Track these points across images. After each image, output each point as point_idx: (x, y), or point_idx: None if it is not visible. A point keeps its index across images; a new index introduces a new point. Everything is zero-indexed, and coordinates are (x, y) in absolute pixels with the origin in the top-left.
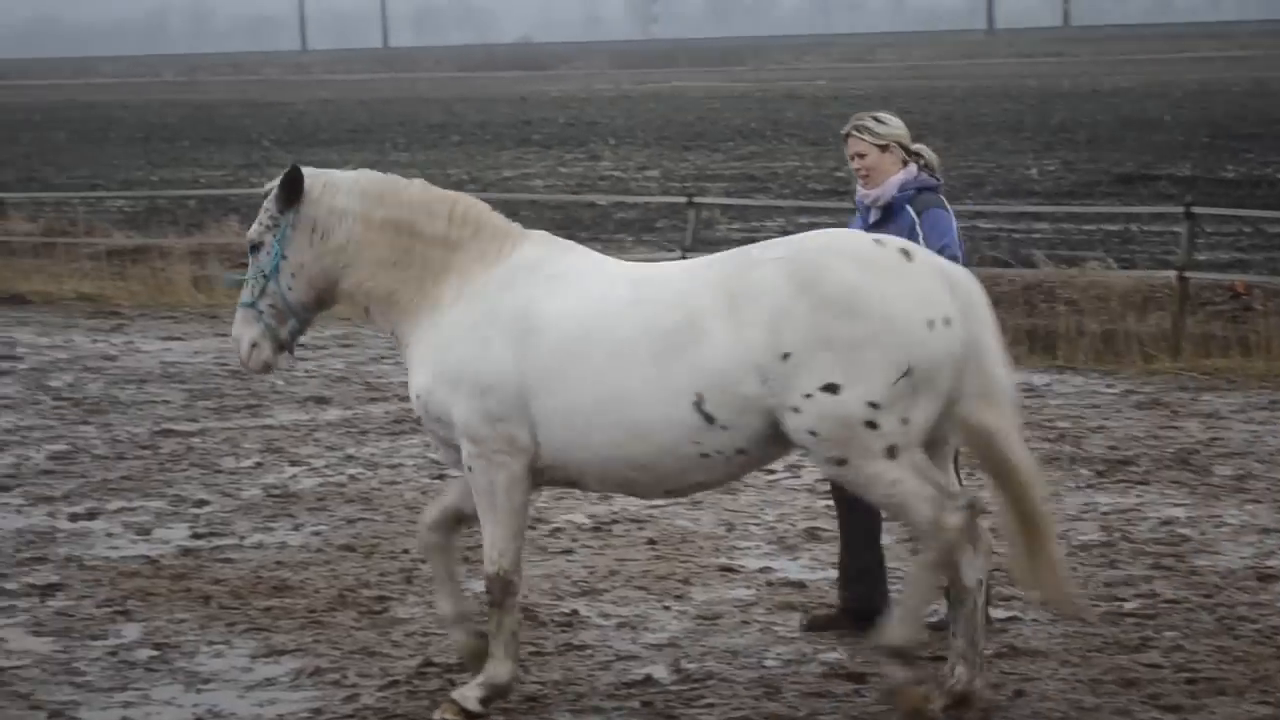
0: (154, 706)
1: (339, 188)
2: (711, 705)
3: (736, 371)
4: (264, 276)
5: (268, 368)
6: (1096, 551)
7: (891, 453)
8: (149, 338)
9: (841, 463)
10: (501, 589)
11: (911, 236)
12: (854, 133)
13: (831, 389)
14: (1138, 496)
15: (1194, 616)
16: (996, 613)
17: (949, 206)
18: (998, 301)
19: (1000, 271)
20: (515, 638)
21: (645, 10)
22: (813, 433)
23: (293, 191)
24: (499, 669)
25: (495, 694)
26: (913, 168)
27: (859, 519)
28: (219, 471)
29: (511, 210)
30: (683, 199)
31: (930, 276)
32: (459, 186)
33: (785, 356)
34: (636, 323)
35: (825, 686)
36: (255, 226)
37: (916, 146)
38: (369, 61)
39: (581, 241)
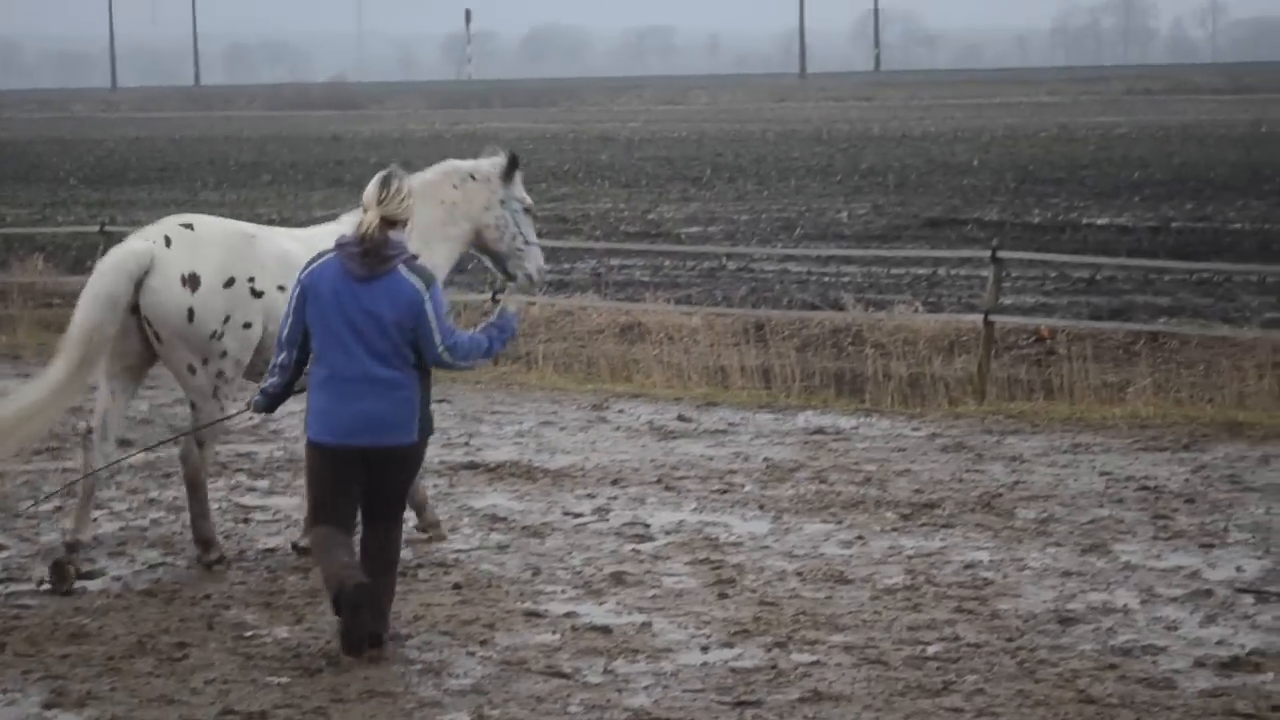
0: None
1: None
2: None
3: None
4: None
5: None
6: (900, 595)
7: None
8: None
9: None
10: None
11: None
12: None
13: None
14: (942, 540)
15: (996, 660)
16: (801, 657)
17: (328, 268)
18: (806, 344)
19: (809, 314)
20: None
21: (459, 51)
22: None
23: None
24: None
25: None
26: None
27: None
28: (17, 515)
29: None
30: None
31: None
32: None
33: None
34: None
35: None
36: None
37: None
38: (180, 99)
39: None
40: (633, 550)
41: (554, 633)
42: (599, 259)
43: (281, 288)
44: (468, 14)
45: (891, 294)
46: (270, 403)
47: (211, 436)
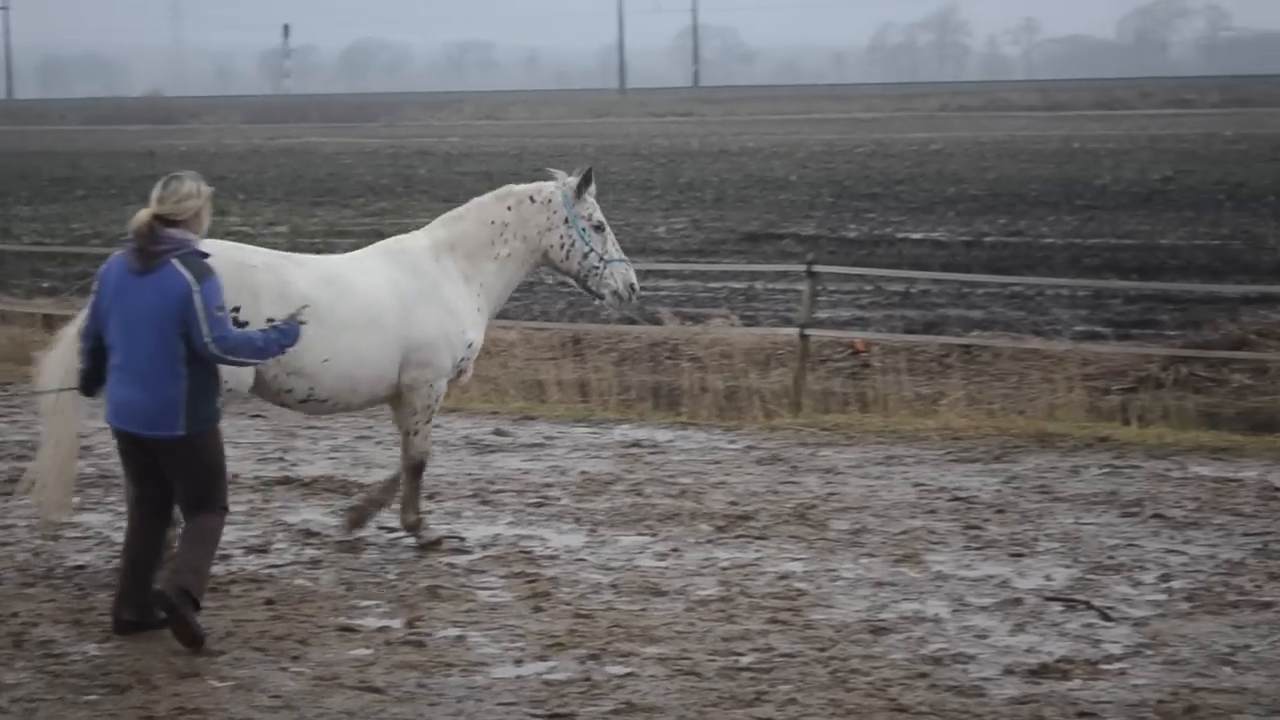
0: None
1: None
2: None
3: None
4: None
5: None
6: (715, 606)
7: None
8: None
9: None
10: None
11: None
12: None
13: None
14: (756, 551)
15: (809, 670)
16: (614, 669)
17: (115, 263)
18: (624, 358)
19: (626, 329)
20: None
21: (278, 65)
22: None
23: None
24: None
25: None
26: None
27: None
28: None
29: None
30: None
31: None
32: (83, 241)
33: None
34: None
35: None
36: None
37: None
38: None
39: None
40: (448, 564)
41: (367, 647)
42: None
43: (271, 320)
44: (286, 28)
45: (708, 308)
46: (81, 383)
47: None
